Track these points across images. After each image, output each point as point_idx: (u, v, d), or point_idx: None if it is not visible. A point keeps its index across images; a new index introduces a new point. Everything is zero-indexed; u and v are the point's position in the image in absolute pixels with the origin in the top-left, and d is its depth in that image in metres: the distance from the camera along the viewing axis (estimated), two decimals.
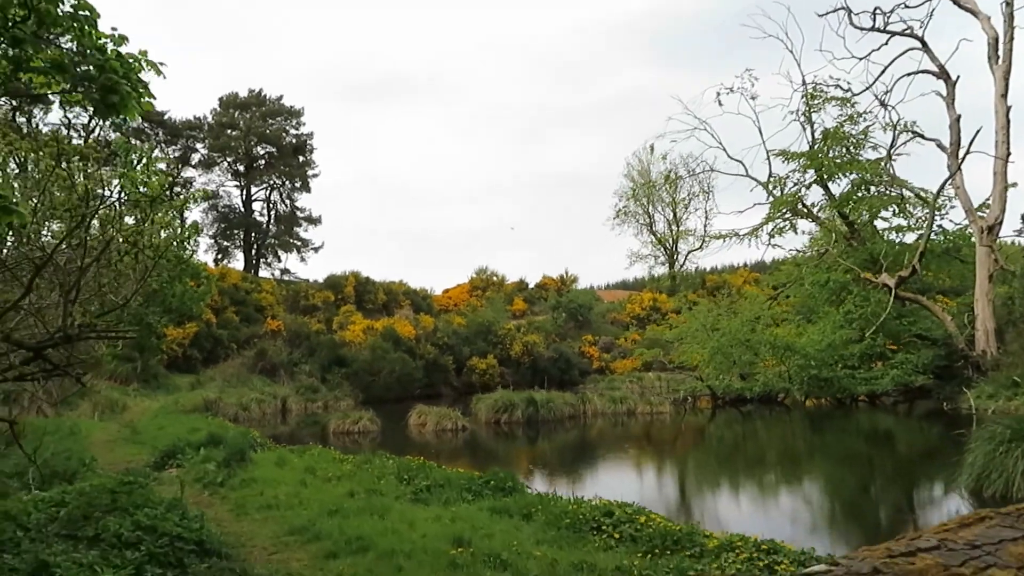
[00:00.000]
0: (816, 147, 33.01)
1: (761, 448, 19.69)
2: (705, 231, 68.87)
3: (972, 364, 26.57)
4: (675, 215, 72.55)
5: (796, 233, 34.33)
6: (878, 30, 30.39)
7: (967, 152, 27.35)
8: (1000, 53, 28.36)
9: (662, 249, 72.15)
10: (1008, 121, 28.04)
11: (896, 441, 20.96)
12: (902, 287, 28.08)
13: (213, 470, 10.38)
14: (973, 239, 28.69)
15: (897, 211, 30.69)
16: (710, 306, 33.35)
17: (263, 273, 58.02)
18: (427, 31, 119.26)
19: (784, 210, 33.60)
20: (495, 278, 69.54)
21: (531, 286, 72.71)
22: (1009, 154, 27.96)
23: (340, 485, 9.36)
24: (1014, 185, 28.72)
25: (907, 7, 29.97)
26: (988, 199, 28.69)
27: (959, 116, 29.33)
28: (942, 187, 28.03)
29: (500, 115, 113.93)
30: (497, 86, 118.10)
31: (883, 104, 30.38)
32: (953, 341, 27.16)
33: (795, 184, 32.80)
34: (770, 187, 34.33)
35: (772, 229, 34.23)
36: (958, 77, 29.35)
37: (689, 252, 72.20)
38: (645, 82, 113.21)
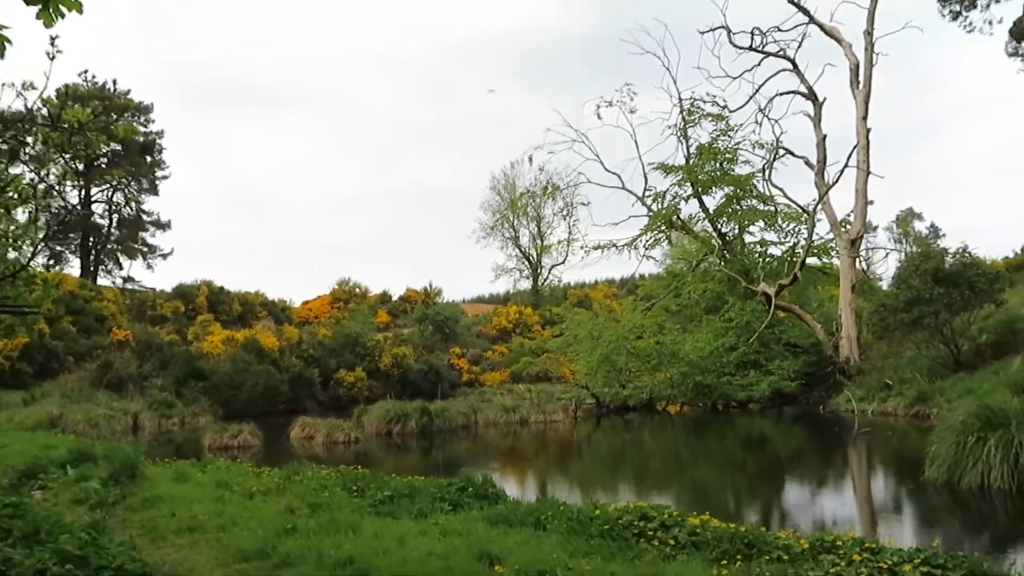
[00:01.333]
0: (692, 161, 33.90)
1: (662, 453, 19.50)
2: (569, 245, 69.97)
3: (839, 370, 27.86)
4: (540, 229, 73.06)
5: (671, 245, 35.03)
6: (754, 50, 31.67)
7: (842, 171, 28.92)
8: (861, 78, 30.24)
9: (527, 263, 72.43)
10: (868, 142, 29.88)
11: (794, 441, 21.38)
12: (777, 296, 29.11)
13: (98, 489, 8.53)
14: (838, 251, 30.25)
15: (767, 224, 31.95)
16: (591, 316, 33.31)
17: (103, 281, 52.88)
18: (289, 40, 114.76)
19: (661, 223, 34.20)
20: (358, 290, 67.19)
21: (395, 299, 70.84)
22: (869, 172, 29.77)
23: (272, 501, 7.85)
24: (871, 203, 30.66)
25: (780, 30, 31.43)
26: (850, 214, 30.38)
27: (825, 136, 31.00)
28: (819, 202, 29.41)
29: (364, 128, 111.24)
30: (362, 99, 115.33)
31: (758, 122, 31.61)
32: (822, 348, 28.39)
33: (674, 197, 33.47)
34: (647, 200, 34.90)
35: (649, 241, 34.79)
36: (825, 99, 31.03)
37: (553, 266, 73.00)
38: (511, 100, 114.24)
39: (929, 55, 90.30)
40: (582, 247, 34.87)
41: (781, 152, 31.12)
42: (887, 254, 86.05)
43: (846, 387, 26.83)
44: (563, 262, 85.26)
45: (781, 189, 30.64)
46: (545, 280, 73.45)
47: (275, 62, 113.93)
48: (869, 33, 30.14)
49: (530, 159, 37.78)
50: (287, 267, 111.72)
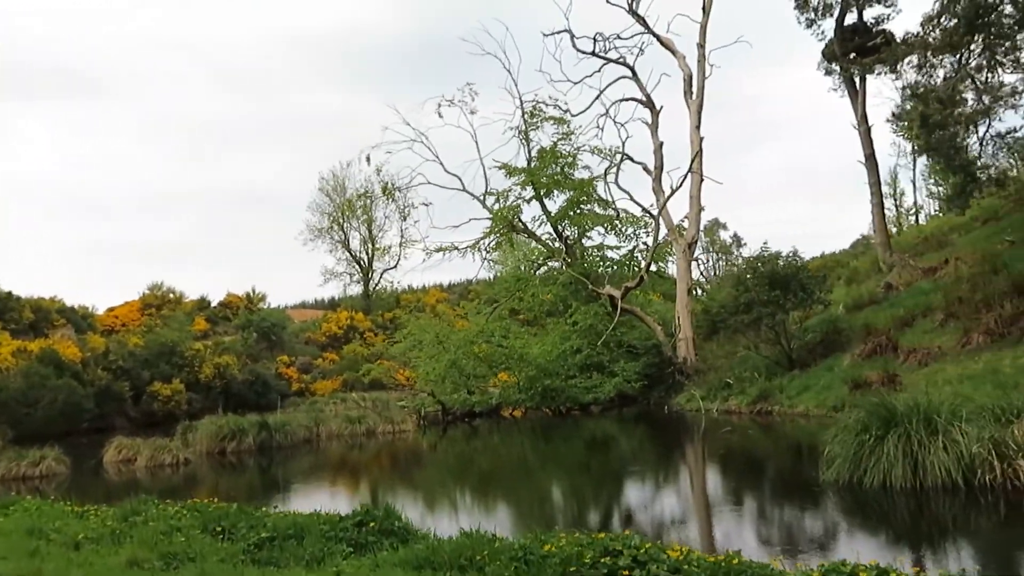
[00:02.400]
0: (533, 164, 33.83)
1: (515, 459, 18.86)
2: (402, 249, 68.59)
3: (678, 370, 28.67)
4: (371, 232, 70.90)
5: (512, 248, 34.76)
6: (596, 55, 32.08)
7: (685, 176, 29.69)
8: (694, 89, 31.43)
9: (357, 267, 70.03)
10: (701, 150, 31.08)
11: (657, 441, 21.43)
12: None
13: None
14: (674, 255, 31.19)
15: (609, 229, 32.44)
16: (434, 320, 32.31)
17: None
18: (96, 23, 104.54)
19: (502, 226, 33.82)
20: (172, 295, 62.10)
21: (214, 304, 66.16)
22: (703, 180, 30.96)
23: (108, 552, 6.14)
24: (703, 209, 31.91)
25: (621, 38, 32.07)
26: (685, 219, 31.44)
27: (662, 143, 31.94)
28: (662, 207, 30.13)
29: (177, 123, 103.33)
30: (175, 92, 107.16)
31: (600, 127, 32.06)
32: (663, 349, 29.11)
33: (516, 198, 33.22)
34: (488, 202, 34.46)
35: (491, 244, 34.34)
36: (662, 107, 31.97)
37: (385, 271, 71.15)
38: (339, 100, 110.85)
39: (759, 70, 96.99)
40: (424, 249, 33.80)
41: (621, 157, 31.71)
42: (698, 262, 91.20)
43: (686, 386, 27.64)
44: (395, 266, 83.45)
45: (627, 192, 31.16)
46: (377, 284, 71.41)
47: (77, 47, 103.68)
48: (702, 46, 31.39)
49: (367, 158, 36.02)
50: (88, 271, 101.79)
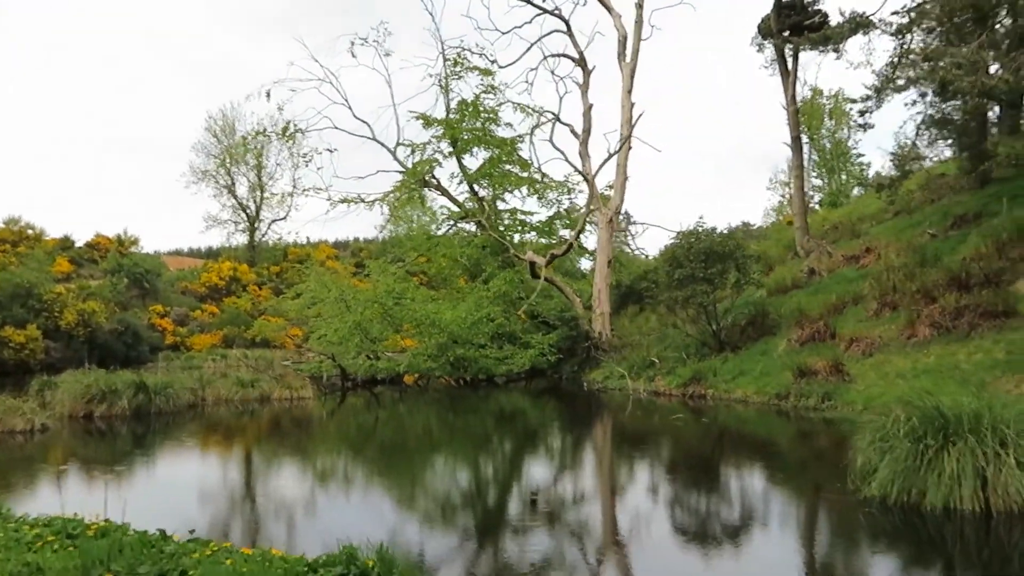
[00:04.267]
0: (453, 117, 31.59)
1: (438, 434, 16.93)
2: (294, 198, 64.65)
3: (594, 345, 27.47)
4: (260, 179, 66.35)
5: (424, 205, 32.51)
6: (531, 2, 30.01)
7: (624, 143, 28.19)
8: (629, 51, 29.96)
9: (244, 215, 65.42)
10: (631, 116, 29.72)
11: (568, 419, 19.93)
12: (537, 268, 27.92)
13: None
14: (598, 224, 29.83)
15: (531, 192, 30.68)
16: (336, 277, 29.65)
17: None
18: None
19: (415, 181, 31.44)
20: (31, 231, 56.10)
21: (79, 245, 60.44)
22: (631, 148, 29.64)
23: None
24: (628, 178, 30.64)
25: None
26: (608, 187, 30.12)
27: (591, 105, 30.35)
28: (597, 172, 28.58)
29: (51, 55, 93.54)
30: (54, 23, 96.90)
31: (529, 82, 30.08)
32: (579, 322, 27.79)
33: (434, 152, 30.90)
34: (400, 154, 32.03)
35: (401, 198, 31.90)
36: (594, 67, 30.33)
37: (273, 221, 66.93)
38: (235, 44, 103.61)
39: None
40: (328, 199, 31.03)
41: (549, 117, 29.92)
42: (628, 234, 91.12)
43: (603, 363, 26.47)
44: (285, 217, 79.07)
45: (562, 151, 29.29)
46: (264, 235, 67.10)
47: None
48: (640, 6, 29.91)
49: (267, 94, 32.73)
50: None
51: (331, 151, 32.95)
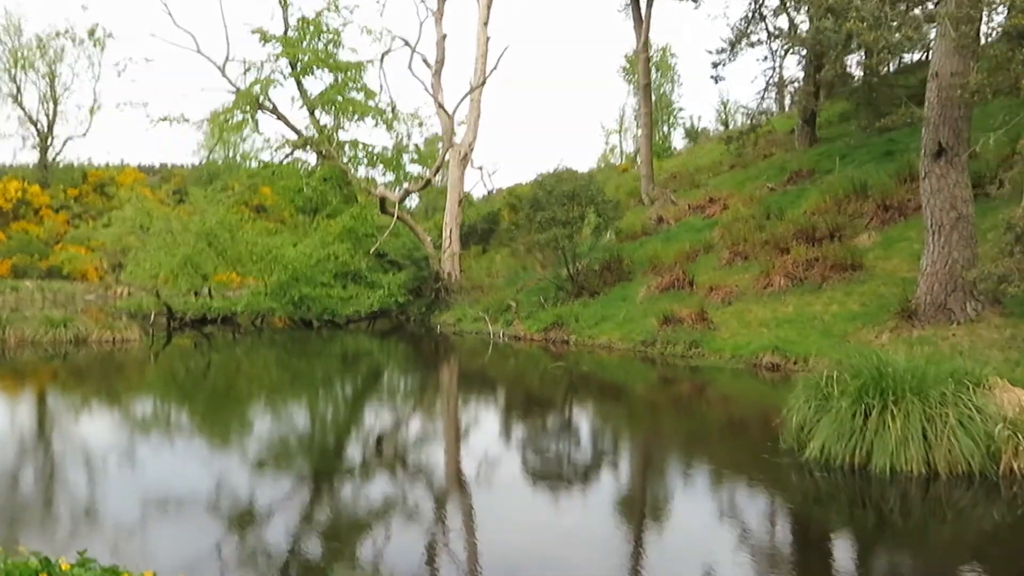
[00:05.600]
0: (292, 35, 28.95)
1: (303, 383, 15.53)
2: (94, 114, 58.07)
3: (444, 286, 26.66)
4: (53, 90, 58.67)
5: (259, 131, 29.81)
6: None
7: (487, 77, 26.88)
8: None
9: (34, 130, 57.74)
10: (487, 50, 28.60)
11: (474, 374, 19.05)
12: (388, 204, 26.45)
13: None
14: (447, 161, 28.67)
15: (381, 122, 28.82)
16: (162, 205, 26.50)
17: None
18: None
19: (247, 102, 28.62)
20: None
21: None
22: (484, 83, 28.59)
23: None
24: (479, 115, 29.63)
25: None
26: (461, 123, 28.98)
27: (445, 35, 28.86)
28: (458, 104, 27.19)
29: None
30: None
31: (380, 1, 27.98)
32: (431, 263, 26.80)
33: (273, 71, 28.18)
34: (229, 72, 29.05)
35: (233, 120, 29.02)
36: None
37: (69, 138, 59.76)
38: None
39: None
40: (148, 117, 27.62)
41: (399, 43, 28.10)
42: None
43: (452, 305, 25.76)
44: (85, 134, 71.51)
45: (422, 81, 27.46)
46: (59, 154, 59.81)
47: None
48: None
49: None
50: None
51: (148, 61, 29.36)
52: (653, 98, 59.51)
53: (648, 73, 30.58)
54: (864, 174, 21.07)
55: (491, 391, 14.60)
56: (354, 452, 9.47)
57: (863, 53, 17.39)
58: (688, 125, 50.77)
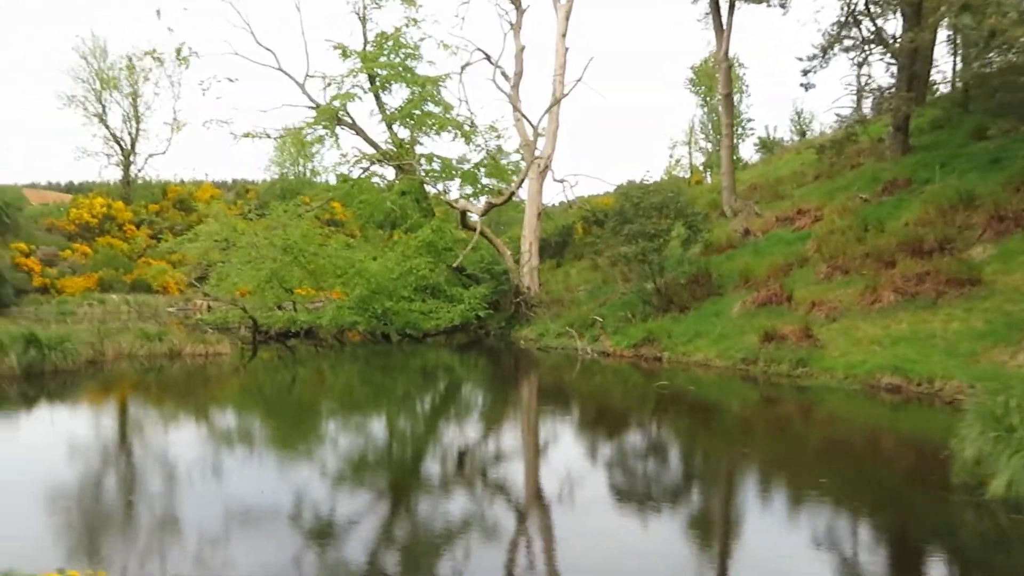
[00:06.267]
0: (371, 50, 29.12)
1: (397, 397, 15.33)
2: (176, 131, 59.85)
3: (524, 300, 26.30)
4: (135, 109, 60.61)
5: (338, 146, 30.01)
6: None
7: (572, 87, 26.64)
8: None
9: (118, 148, 59.69)
10: (565, 62, 28.29)
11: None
12: (469, 217, 26.26)
13: None
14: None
15: (460, 135, 28.72)
16: (246, 220, 26.72)
17: None
18: None
19: (327, 117, 28.84)
20: None
21: None
22: (564, 95, 28.26)
23: None
24: (558, 127, 29.28)
25: None
26: (540, 134, 28.64)
27: (524, 47, 28.68)
28: (543, 116, 26.88)
29: None
30: None
31: (460, 16, 27.98)
32: (512, 277, 26.48)
33: (353, 86, 28.38)
34: (309, 87, 29.36)
35: (314, 135, 29.31)
36: (528, 6, 28.56)
37: (151, 156, 61.59)
38: None
39: None
40: (232, 133, 28.08)
41: (479, 56, 27.97)
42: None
43: (534, 319, 25.37)
44: (164, 152, 73.66)
45: (508, 94, 27.30)
46: (140, 171, 61.71)
47: None
48: None
49: (157, 12, 29.14)
50: None
51: (232, 80, 29.74)
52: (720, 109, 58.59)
53: (730, 83, 29.80)
54: (969, 183, 19.97)
55: (587, 409, 14.12)
56: (438, 467, 9.39)
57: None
58: (764, 135, 49.43)
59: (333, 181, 33.71)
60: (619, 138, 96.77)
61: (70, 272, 44.81)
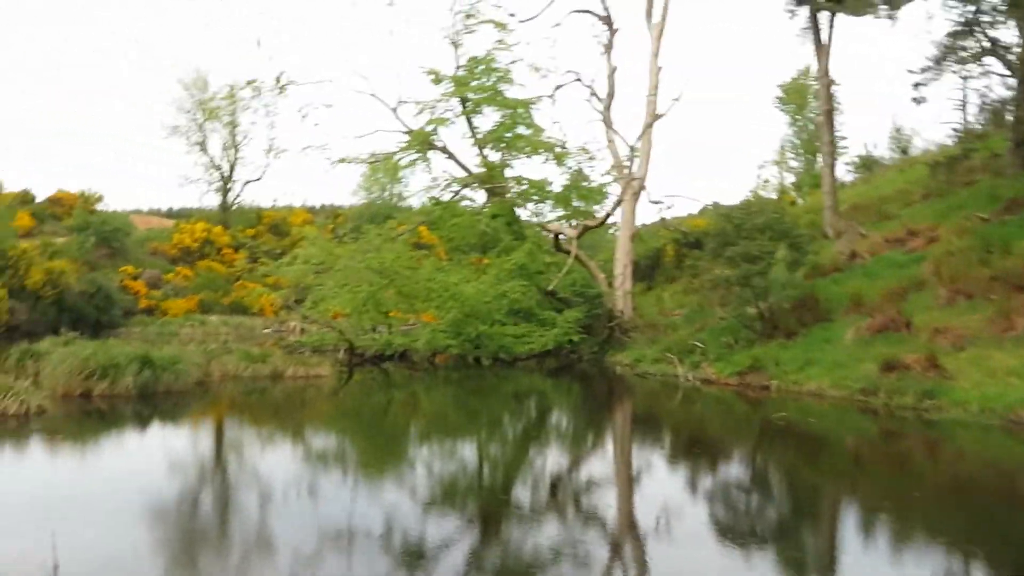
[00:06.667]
0: (463, 73, 29.32)
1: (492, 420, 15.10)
2: (272, 157, 61.88)
3: (618, 324, 25.77)
4: (233, 138, 63.00)
5: (430, 170, 30.16)
6: None
7: (668, 108, 26.20)
8: (656, 10, 27.98)
9: (217, 175, 62.13)
10: (658, 81, 27.84)
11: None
12: (563, 240, 25.97)
13: None
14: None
15: (552, 158, 28.57)
16: (341, 244, 27.07)
17: None
18: None
19: (420, 141, 29.09)
20: None
21: (40, 200, 56.83)
22: (657, 116, 27.77)
23: None
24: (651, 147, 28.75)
25: None
26: (632, 155, 28.22)
27: (615, 68, 28.40)
28: (641, 136, 26.50)
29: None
30: None
31: (551, 39, 27.99)
32: (605, 301, 26.02)
33: (446, 111, 28.61)
34: (401, 112, 29.65)
35: (407, 161, 29.63)
36: (618, 29, 28.30)
37: (247, 182, 63.79)
38: None
39: None
40: (328, 159, 28.67)
41: (571, 78, 27.80)
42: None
43: (629, 344, 24.81)
44: (260, 178, 76.37)
45: (604, 117, 27.09)
46: (238, 196, 63.99)
47: None
48: None
49: (258, 42, 30.14)
50: None
51: (328, 107, 30.43)
52: (811, 127, 56.64)
53: (830, 99, 28.71)
54: None
55: (695, 440, 13.48)
56: (543, 494, 9.18)
57: None
58: (862, 153, 47.48)
59: (416, 205, 34.04)
60: (699, 156, 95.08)
61: (173, 294, 46.61)
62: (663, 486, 9.79)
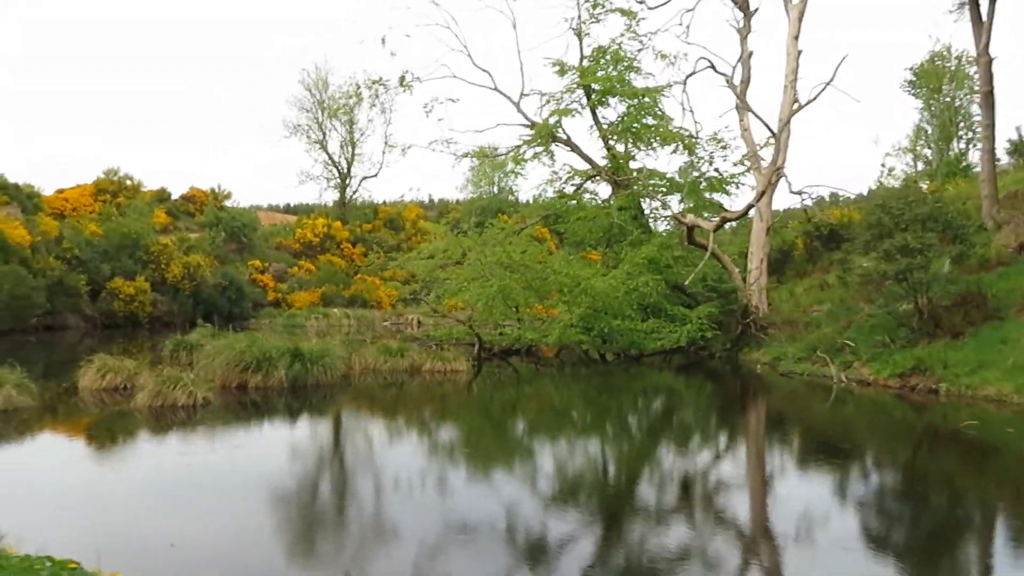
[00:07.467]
0: (588, 64, 28.71)
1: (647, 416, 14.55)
2: (387, 152, 63.11)
3: (753, 321, 24.60)
4: (351, 135, 64.59)
5: (553, 162, 29.72)
6: None
7: (820, 91, 24.90)
8: None
9: (335, 171, 63.90)
10: (798, 66, 26.37)
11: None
12: (697, 233, 25.01)
13: None
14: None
15: (683, 148, 27.65)
16: (467, 238, 27.06)
17: None
18: None
19: (544, 134, 28.65)
20: (129, 182, 55.47)
21: (175, 197, 59.87)
22: (796, 102, 26.32)
23: None
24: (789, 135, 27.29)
25: None
26: (768, 142, 26.89)
27: (751, 53, 27.09)
28: (785, 124, 25.27)
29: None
30: None
31: (683, 24, 27.08)
32: (740, 296, 24.92)
33: (572, 102, 28.11)
34: (523, 105, 29.30)
35: (530, 154, 29.31)
36: (757, 9, 27.00)
37: (364, 178, 65.30)
38: None
39: None
40: (453, 153, 28.67)
41: (703, 64, 26.70)
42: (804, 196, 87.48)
43: (766, 341, 23.65)
44: (376, 174, 78.03)
45: (749, 107, 26.01)
46: (355, 192, 65.61)
47: None
48: None
49: (383, 40, 30.35)
50: (31, 145, 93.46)
51: (454, 101, 30.41)
52: (945, 113, 52.97)
53: (990, 79, 26.39)
54: None
55: (867, 451, 12.47)
56: (670, 496, 9.00)
57: None
58: (1016, 138, 43.85)
59: (529, 199, 33.71)
60: (817, 143, 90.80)
61: (297, 287, 48.17)
62: (858, 508, 8.98)
